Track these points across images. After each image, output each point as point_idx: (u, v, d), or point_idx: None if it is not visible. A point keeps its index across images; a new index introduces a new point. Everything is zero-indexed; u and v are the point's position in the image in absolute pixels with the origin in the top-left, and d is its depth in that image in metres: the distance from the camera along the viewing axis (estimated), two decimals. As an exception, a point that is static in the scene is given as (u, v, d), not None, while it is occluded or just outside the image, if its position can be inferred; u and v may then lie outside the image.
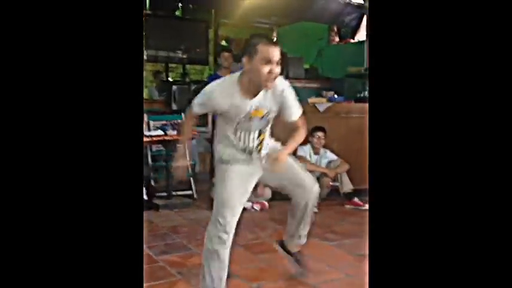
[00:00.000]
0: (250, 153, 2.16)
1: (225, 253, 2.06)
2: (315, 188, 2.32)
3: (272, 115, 2.14)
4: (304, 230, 2.41)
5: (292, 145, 2.19)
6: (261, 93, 2.04)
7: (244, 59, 1.97)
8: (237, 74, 2.06)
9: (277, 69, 1.94)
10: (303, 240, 2.46)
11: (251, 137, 2.14)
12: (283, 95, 2.09)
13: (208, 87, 2.06)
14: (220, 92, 2.01)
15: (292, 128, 2.22)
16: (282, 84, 2.09)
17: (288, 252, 2.51)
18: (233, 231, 2.06)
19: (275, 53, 1.92)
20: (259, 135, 2.16)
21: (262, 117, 2.10)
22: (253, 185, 2.21)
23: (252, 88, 2.00)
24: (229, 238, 2.05)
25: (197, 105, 2.11)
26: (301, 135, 2.22)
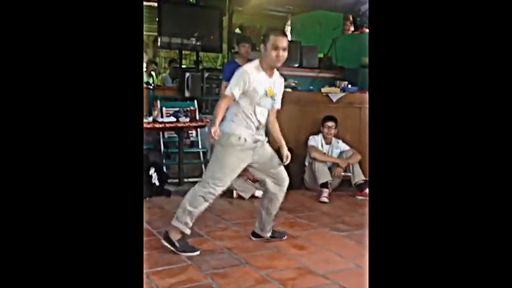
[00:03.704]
0: (259, 128, 2.59)
1: None
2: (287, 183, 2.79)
3: (276, 99, 2.64)
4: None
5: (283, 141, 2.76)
6: (273, 77, 2.59)
7: (262, 46, 2.54)
8: (257, 60, 2.60)
9: (284, 54, 2.50)
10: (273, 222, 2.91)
11: (264, 113, 2.60)
12: (282, 84, 2.71)
13: (239, 71, 2.52)
14: (252, 70, 2.52)
15: (271, 120, 2.72)
16: (282, 77, 2.70)
17: (262, 236, 2.91)
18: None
19: (283, 41, 2.50)
20: (268, 114, 2.65)
21: (272, 96, 2.60)
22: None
23: (268, 68, 2.55)
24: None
25: (235, 88, 2.48)
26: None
